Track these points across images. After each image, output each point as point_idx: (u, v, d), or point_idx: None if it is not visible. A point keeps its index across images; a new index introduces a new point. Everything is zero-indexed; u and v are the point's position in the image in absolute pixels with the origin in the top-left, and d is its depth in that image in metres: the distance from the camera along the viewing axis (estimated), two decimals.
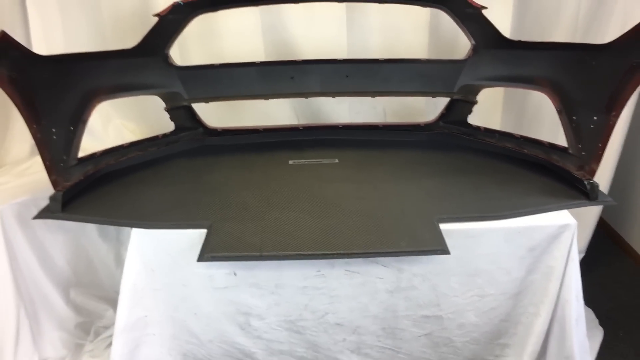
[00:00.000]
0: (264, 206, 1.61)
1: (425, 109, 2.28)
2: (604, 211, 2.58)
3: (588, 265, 2.50)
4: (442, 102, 2.01)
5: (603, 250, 2.74)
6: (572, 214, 1.60)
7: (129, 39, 1.74)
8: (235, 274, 1.54)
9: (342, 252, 1.41)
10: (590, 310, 2.27)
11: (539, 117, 2.26)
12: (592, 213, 2.42)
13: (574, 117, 1.66)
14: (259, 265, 1.54)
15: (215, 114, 2.16)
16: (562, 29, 2.17)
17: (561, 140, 1.74)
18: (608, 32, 1.57)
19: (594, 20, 2.13)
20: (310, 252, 1.42)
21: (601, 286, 2.50)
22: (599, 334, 2.16)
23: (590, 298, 2.30)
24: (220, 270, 1.54)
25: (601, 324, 2.21)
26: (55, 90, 1.59)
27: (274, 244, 1.43)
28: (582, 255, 2.51)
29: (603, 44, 1.57)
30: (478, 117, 2.06)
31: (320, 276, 1.56)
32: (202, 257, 1.40)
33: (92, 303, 2.05)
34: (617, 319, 2.29)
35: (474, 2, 1.70)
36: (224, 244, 1.44)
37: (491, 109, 2.33)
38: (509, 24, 2.15)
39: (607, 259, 2.73)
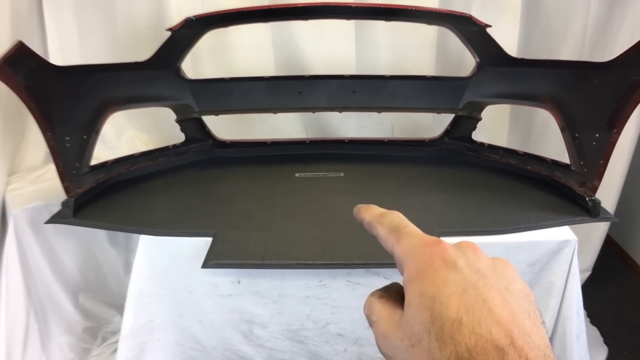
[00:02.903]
0: (269, 216, 1.64)
1: (432, 124, 2.30)
2: (611, 229, 2.57)
3: (594, 283, 2.49)
4: (448, 118, 2.03)
5: (610, 269, 2.73)
6: (579, 233, 1.60)
7: (144, 52, 1.78)
8: (239, 282, 1.57)
9: (342, 262, 1.43)
10: (595, 329, 2.26)
11: (546, 135, 2.27)
12: (598, 231, 2.41)
13: (576, 134, 1.67)
14: (262, 274, 1.56)
15: (226, 126, 2.19)
16: (569, 47, 2.18)
17: (567, 157, 1.75)
18: (615, 51, 1.58)
19: (601, 38, 2.15)
20: (311, 262, 1.44)
21: (607, 304, 2.49)
22: (603, 353, 2.15)
23: (596, 316, 2.31)
24: (224, 278, 1.57)
25: (606, 342, 2.20)
26: (69, 100, 1.64)
27: (277, 253, 1.46)
28: (589, 273, 2.49)
29: (605, 62, 1.59)
30: (485, 134, 2.08)
31: (322, 286, 1.58)
32: (206, 264, 1.43)
33: (100, 308, 2.08)
34: (622, 338, 2.28)
35: (478, 20, 1.73)
36: (228, 252, 1.47)
37: (498, 126, 2.35)
38: (516, 41, 2.17)
39: (614, 277, 2.72)
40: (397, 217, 0.45)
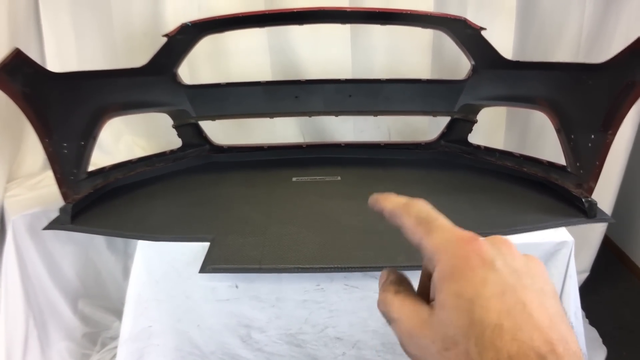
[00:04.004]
0: (266, 221, 1.64)
1: (429, 128, 2.30)
2: (609, 230, 2.57)
3: (593, 284, 2.50)
4: (444, 121, 2.03)
5: (608, 269, 2.73)
6: (577, 234, 1.61)
7: (140, 58, 1.79)
8: (237, 287, 1.57)
9: (339, 266, 1.43)
10: (593, 330, 2.26)
11: (542, 137, 2.27)
12: (596, 232, 2.41)
13: (572, 136, 1.68)
14: (259, 278, 1.57)
15: (223, 131, 2.20)
16: (564, 49, 2.19)
17: (563, 159, 1.76)
18: (611, 52, 1.58)
19: (596, 40, 2.16)
20: (308, 266, 1.44)
21: (606, 305, 2.49)
22: (602, 354, 2.15)
23: (594, 317, 2.31)
24: (222, 283, 1.57)
25: (605, 343, 2.20)
26: (66, 106, 1.64)
27: (274, 257, 1.46)
28: (587, 274, 2.49)
29: (599, 63, 1.59)
30: (481, 137, 2.09)
31: (320, 290, 1.58)
32: (203, 269, 1.44)
33: (99, 314, 2.08)
34: (621, 339, 2.28)
35: (473, 23, 1.74)
36: (225, 257, 1.47)
37: (494, 128, 2.35)
38: (511, 44, 2.17)
39: (613, 278, 2.72)
40: (425, 207, 0.42)
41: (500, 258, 0.37)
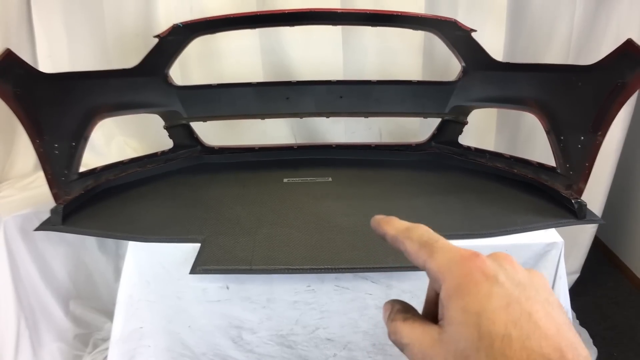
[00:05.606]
0: (257, 222, 1.65)
1: (420, 129, 2.31)
2: (599, 231, 2.58)
3: (583, 285, 2.51)
4: (435, 122, 2.04)
5: (599, 270, 2.75)
6: (568, 235, 1.61)
7: (132, 59, 1.78)
8: (227, 288, 1.58)
9: (329, 267, 1.43)
10: (584, 330, 2.27)
11: (532, 138, 2.28)
12: (586, 233, 2.43)
13: (562, 137, 1.69)
14: (250, 279, 1.57)
15: (214, 132, 2.20)
16: (554, 51, 2.21)
17: (553, 160, 1.77)
18: (601, 54, 1.59)
19: (587, 41, 2.17)
20: (298, 267, 1.44)
21: (596, 306, 2.51)
22: (592, 354, 2.16)
23: (585, 318, 2.32)
24: (213, 284, 1.57)
25: (595, 343, 2.22)
26: (58, 107, 1.64)
27: (264, 258, 1.46)
28: (577, 275, 2.51)
29: (589, 65, 1.60)
30: (472, 138, 2.09)
31: (311, 291, 1.58)
32: (194, 270, 1.44)
33: (91, 315, 2.08)
34: (611, 339, 2.29)
35: (463, 25, 1.74)
36: (215, 258, 1.47)
37: (485, 130, 2.36)
38: (502, 46, 2.18)
39: (603, 278, 2.73)
40: (426, 231, 0.43)
41: (503, 272, 0.38)
